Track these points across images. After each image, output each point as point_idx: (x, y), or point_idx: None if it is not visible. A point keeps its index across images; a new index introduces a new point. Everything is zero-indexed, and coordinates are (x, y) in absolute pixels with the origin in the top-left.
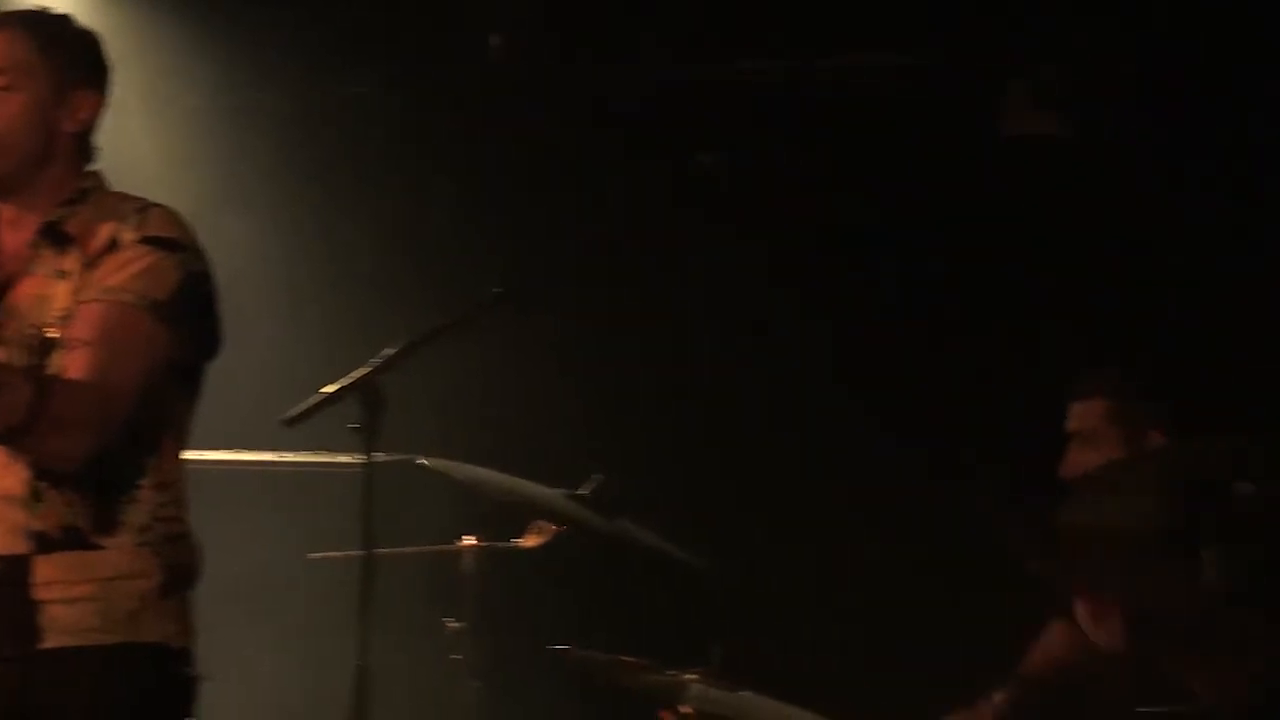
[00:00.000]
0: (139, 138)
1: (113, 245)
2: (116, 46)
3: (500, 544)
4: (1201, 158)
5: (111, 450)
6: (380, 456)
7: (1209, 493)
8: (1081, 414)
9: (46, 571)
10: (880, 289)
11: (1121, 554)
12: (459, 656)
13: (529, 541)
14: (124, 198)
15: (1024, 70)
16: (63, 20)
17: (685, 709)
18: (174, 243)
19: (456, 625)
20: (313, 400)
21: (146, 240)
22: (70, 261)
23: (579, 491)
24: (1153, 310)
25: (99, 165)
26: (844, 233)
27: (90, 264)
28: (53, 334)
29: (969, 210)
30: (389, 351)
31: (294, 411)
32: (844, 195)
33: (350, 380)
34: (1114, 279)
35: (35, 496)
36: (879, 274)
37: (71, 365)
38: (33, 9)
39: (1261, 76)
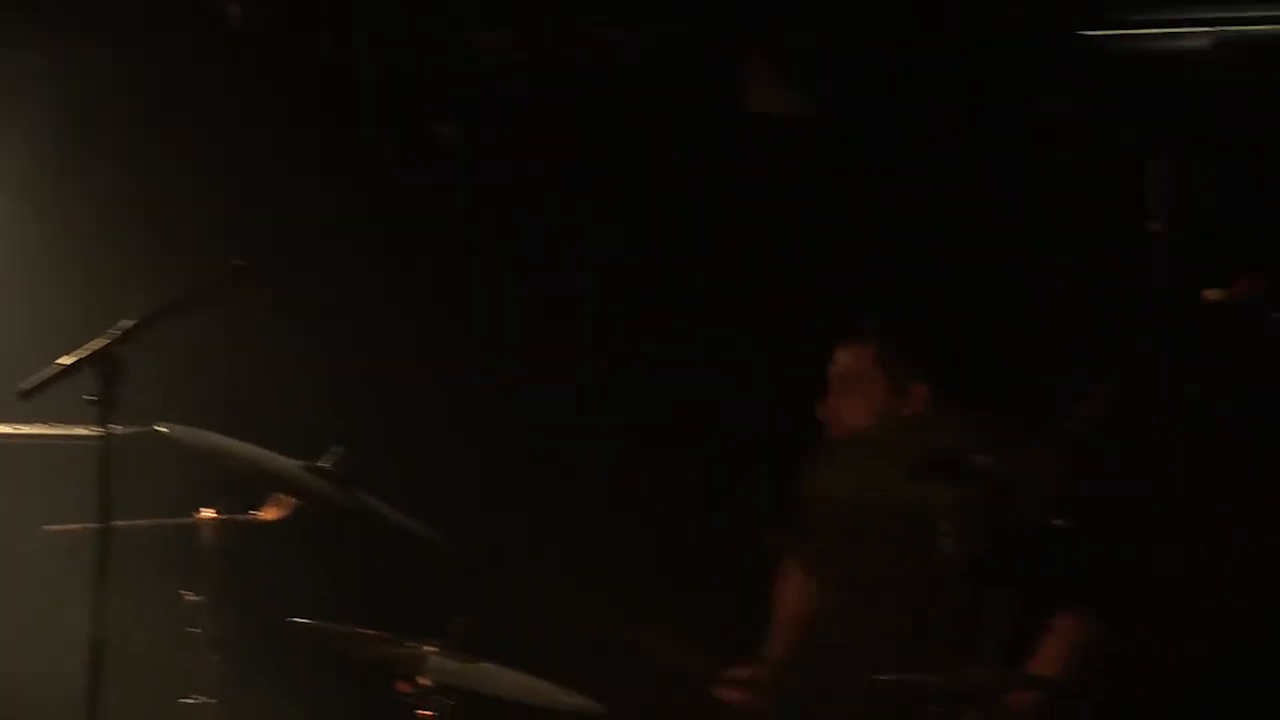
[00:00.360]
0: None
1: None
2: None
3: (240, 516)
4: (948, 132)
5: None
6: (118, 428)
7: (947, 463)
8: (849, 357)
9: None
10: (619, 265)
11: (861, 520)
12: (197, 630)
13: (269, 514)
14: None
15: (765, 45)
16: None
17: (424, 680)
18: None
19: (195, 598)
20: (48, 372)
21: None
22: None
23: (318, 464)
24: (900, 288)
25: None
26: (580, 208)
27: None
28: None
29: (710, 187)
30: (126, 323)
31: (29, 384)
32: (582, 170)
33: (87, 352)
34: (860, 257)
35: None
36: (618, 252)
37: None
38: None
39: (997, 44)
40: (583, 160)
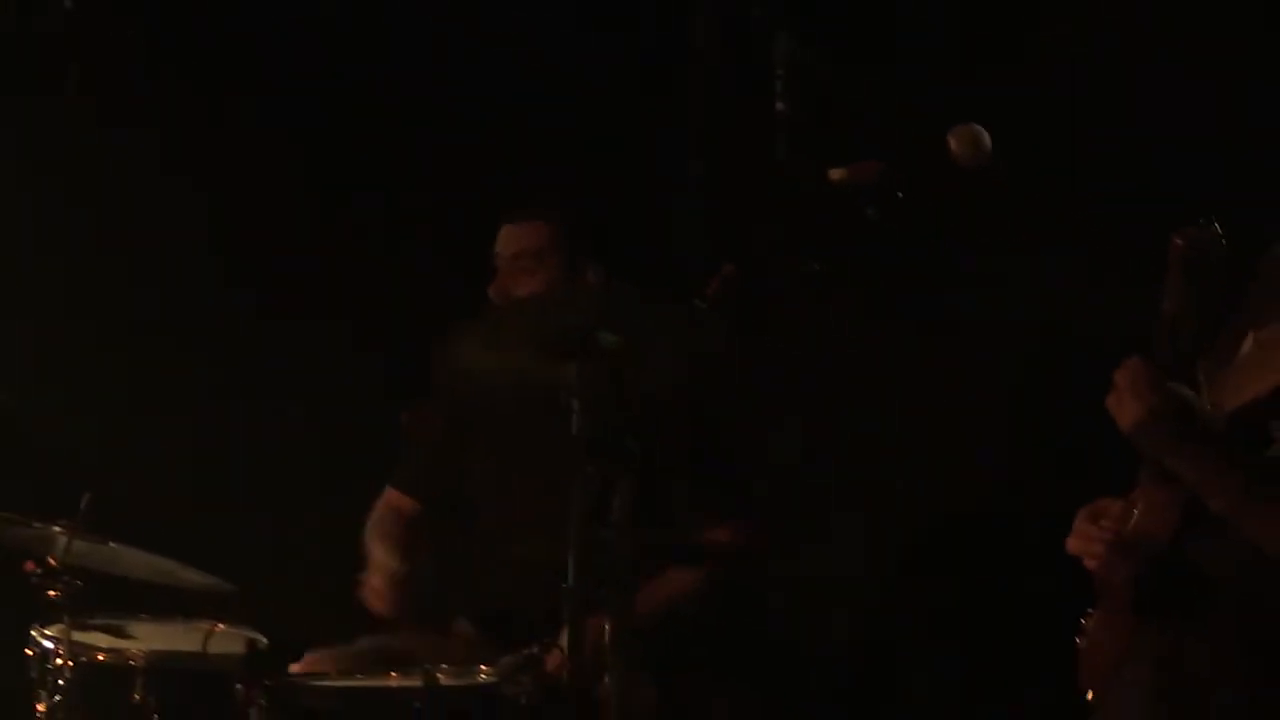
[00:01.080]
0: None
1: None
2: None
3: None
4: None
5: None
6: None
7: (576, 341)
8: (522, 235)
9: None
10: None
11: (491, 399)
12: None
13: None
14: None
15: None
16: None
17: (52, 560)
18: None
19: None
20: None
21: None
22: None
23: None
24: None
25: None
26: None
27: None
28: None
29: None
30: None
31: None
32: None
33: None
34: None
35: None
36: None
37: None
38: None
39: None
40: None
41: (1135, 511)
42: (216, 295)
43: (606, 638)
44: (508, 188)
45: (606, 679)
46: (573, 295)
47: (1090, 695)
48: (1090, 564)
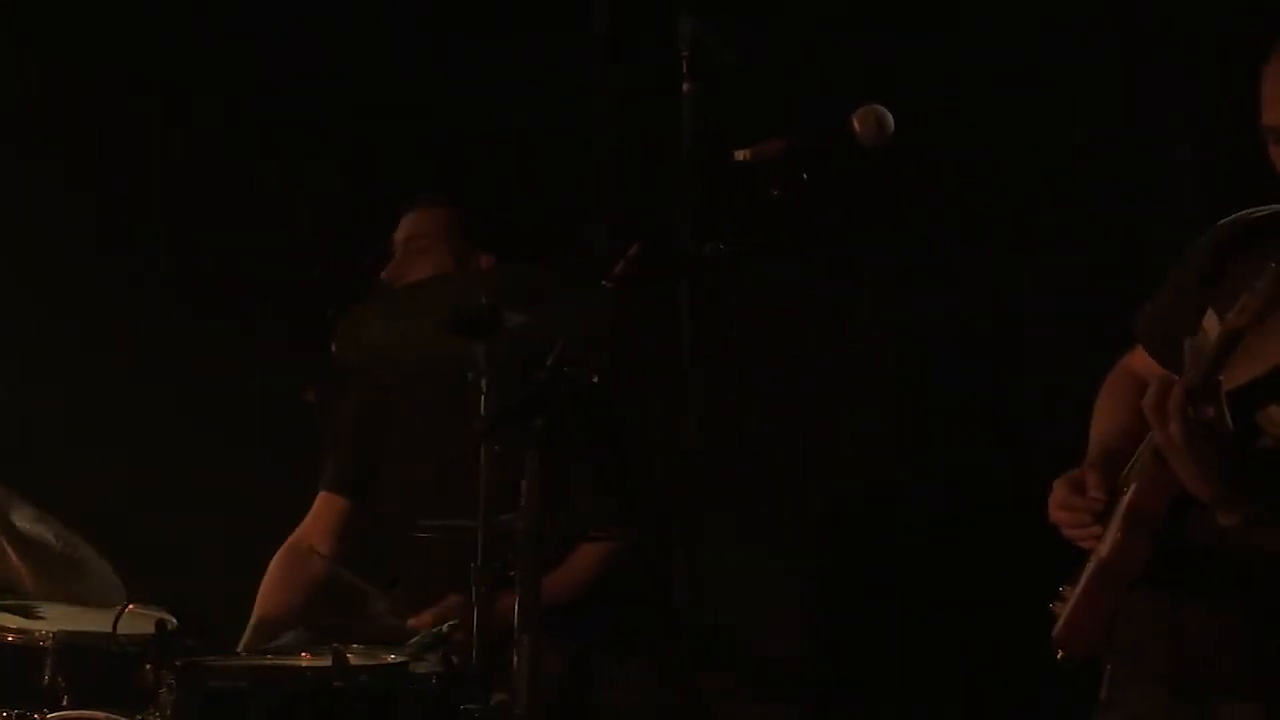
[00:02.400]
0: None
1: None
2: None
3: None
4: None
5: None
6: None
7: (482, 319)
8: (419, 221)
9: None
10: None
11: (396, 377)
12: None
13: None
14: None
15: None
16: None
17: None
18: None
19: None
20: None
21: None
22: None
23: None
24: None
25: None
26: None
27: None
28: None
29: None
30: None
31: None
32: None
33: None
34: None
35: None
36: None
37: None
38: None
39: None
40: None
41: (1131, 486)
42: (123, 277)
43: (515, 617)
44: (418, 172)
45: (515, 656)
46: (480, 275)
47: (1060, 655)
48: (1074, 533)
